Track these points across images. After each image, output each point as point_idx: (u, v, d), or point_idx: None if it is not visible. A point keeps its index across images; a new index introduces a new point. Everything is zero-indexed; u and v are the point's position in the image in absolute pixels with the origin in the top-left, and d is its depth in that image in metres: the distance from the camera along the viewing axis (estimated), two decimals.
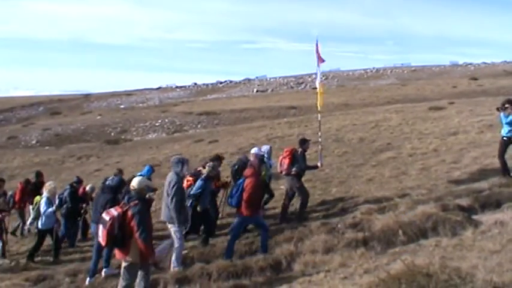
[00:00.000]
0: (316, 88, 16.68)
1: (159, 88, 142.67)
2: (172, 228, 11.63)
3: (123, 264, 9.49)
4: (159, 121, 66.74)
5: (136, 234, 8.99)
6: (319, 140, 17.06)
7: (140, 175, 15.67)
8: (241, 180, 12.14)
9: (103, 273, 12.33)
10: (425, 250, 9.56)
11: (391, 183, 16.97)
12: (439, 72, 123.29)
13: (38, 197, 15.89)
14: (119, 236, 9.12)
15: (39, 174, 19.78)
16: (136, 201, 9.25)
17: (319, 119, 17.37)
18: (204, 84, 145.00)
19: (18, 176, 36.36)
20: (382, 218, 11.63)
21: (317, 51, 16.46)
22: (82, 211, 16.68)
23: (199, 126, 62.53)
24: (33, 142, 62.27)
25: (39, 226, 15.15)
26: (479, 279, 6.65)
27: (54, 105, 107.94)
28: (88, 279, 12.04)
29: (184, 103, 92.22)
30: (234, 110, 68.84)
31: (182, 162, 11.69)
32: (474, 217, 11.02)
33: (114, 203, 11.95)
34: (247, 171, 12.08)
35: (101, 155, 42.33)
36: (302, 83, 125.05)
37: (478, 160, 17.81)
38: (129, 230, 9.11)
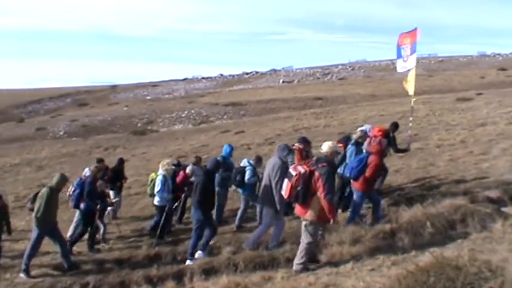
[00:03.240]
0: (409, 70, 16.48)
1: (185, 79, 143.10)
2: (264, 211, 11.77)
3: (303, 222, 9.80)
4: (186, 112, 66.99)
5: (322, 194, 9.27)
6: (410, 125, 17.28)
7: (223, 156, 15.87)
8: (364, 155, 12.24)
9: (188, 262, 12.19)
10: (454, 242, 9.47)
11: (419, 174, 16.83)
12: (466, 63, 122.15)
13: (153, 174, 15.84)
14: (301, 192, 9.43)
15: (121, 161, 19.82)
16: (325, 164, 9.50)
17: (412, 104, 17.23)
18: (230, 75, 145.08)
19: (46, 167, 36.71)
20: (409, 209, 11.52)
21: (412, 38, 16.37)
22: (184, 195, 16.23)
23: (225, 117, 62.66)
24: (61, 133, 62.86)
25: (155, 203, 15.13)
26: (510, 273, 6.55)
27: (81, 97, 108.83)
28: (188, 260, 12.01)
29: (211, 94, 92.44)
30: (260, 101, 68.87)
31: (289, 149, 11.80)
32: (503, 209, 10.89)
33: (211, 185, 12.52)
34: (373, 148, 12.03)
35: (128, 146, 42.54)
36: (328, 73, 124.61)
37: (507, 151, 17.60)
38: (313, 189, 9.43)
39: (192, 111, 67.06)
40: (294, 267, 9.68)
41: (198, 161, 17.63)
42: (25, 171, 35.98)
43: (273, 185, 11.36)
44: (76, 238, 14.89)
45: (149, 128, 58.83)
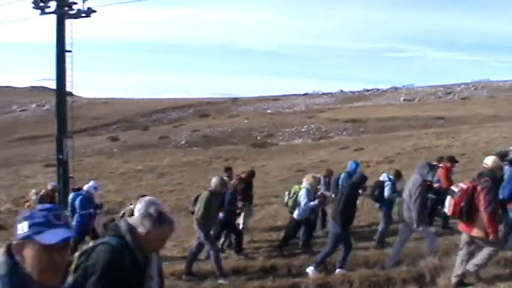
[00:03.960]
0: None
1: (306, 94, 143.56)
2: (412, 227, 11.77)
3: (465, 239, 9.65)
4: (305, 127, 67.24)
5: (483, 207, 9.12)
6: None
7: (348, 172, 15.86)
8: None
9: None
10: None
11: None
12: None
13: (296, 187, 15.99)
14: (465, 208, 9.36)
15: (252, 174, 20.11)
16: (487, 178, 9.37)
17: None
18: (350, 92, 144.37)
19: (167, 174, 37.83)
20: None
21: None
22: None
23: (344, 133, 62.44)
24: (183, 142, 64.57)
25: (295, 216, 15.21)
26: None
27: (203, 108, 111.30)
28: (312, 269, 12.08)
29: (330, 110, 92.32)
30: (380, 119, 68.14)
31: (430, 166, 11.74)
32: None
33: (355, 199, 12.46)
34: None
35: (247, 158, 43.15)
36: (450, 93, 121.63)
37: None
38: (476, 205, 9.29)
39: (312, 126, 67.24)
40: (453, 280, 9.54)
41: (329, 174, 17.63)
42: (147, 178, 37.24)
43: (412, 202, 11.24)
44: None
45: (269, 141, 59.45)
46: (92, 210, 15.59)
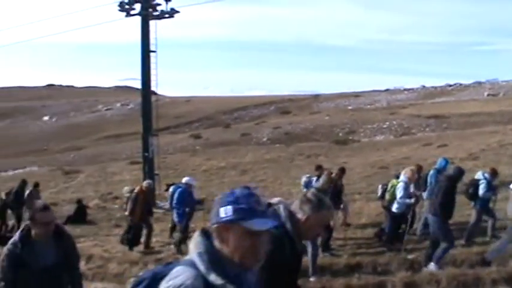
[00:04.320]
0: None
1: (387, 90, 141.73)
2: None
3: None
4: (387, 123, 66.50)
5: None
6: None
7: (437, 169, 15.62)
8: None
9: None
10: None
11: None
12: None
13: (394, 181, 16.01)
14: None
15: (342, 171, 20.10)
16: None
17: None
18: (432, 87, 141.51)
19: (249, 172, 38.17)
20: None
21: None
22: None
23: (427, 129, 61.44)
24: (264, 139, 64.89)
25: (394, 210, 15.18)
26: None
27: (284, 105, 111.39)
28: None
29: (412, 105, 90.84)
30: (463, 114, 66.71)
31: None
32: None
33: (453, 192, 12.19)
34: None
35: (329, 155, 43.02)
36: None
37: None
38: None
39: (394, 123, 66.43)
40: None
41: (418, 170, 17.44)
42: (230, 175, 37.66)
43: None
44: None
45: (350, 137, 59.09)
46: (192, 202, 16.20)
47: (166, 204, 20.19)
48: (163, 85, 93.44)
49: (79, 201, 24.99)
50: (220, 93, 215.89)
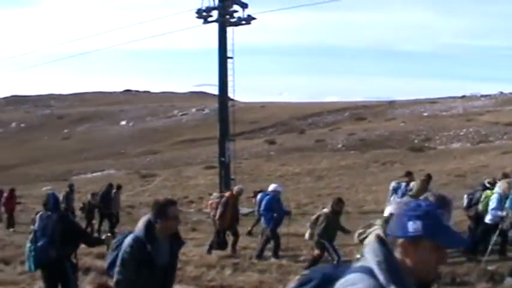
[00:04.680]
0: None
1: (463, 96, 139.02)
2: None
3: None
4: (463, 130, 65.35)
5: None
6: None
7: None
8: None
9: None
10: None
11: None
12: None
13: (488, 192, 16.04)
14: None
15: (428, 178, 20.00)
16: None
17: None
18: (510, 93, 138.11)
19: (325, 178, 38.17)
20: None
21: None
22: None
23: (505, 137, 60.05)
24: (339, 146, 64.71)
25: (487, 221, 15.24)
26: None
27: (359, 111, 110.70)
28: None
29: (490, 112, 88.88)
30: None
31: None
32: None
33: None
34: None
35: (405, 162, 42.61)
36: None
37: None
38: None
39: (470, 130, 65.22)
40: None
41: (505, 177, 17.15)
42: (305, 181, 37.78)
43: None
44: None
45: (426, 144, 58.33)
46: (280, 209, 16.41)
47: (244, 209, 20.46)
48: (239, 91, 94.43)
49: None
50: (294, 99, 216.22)
